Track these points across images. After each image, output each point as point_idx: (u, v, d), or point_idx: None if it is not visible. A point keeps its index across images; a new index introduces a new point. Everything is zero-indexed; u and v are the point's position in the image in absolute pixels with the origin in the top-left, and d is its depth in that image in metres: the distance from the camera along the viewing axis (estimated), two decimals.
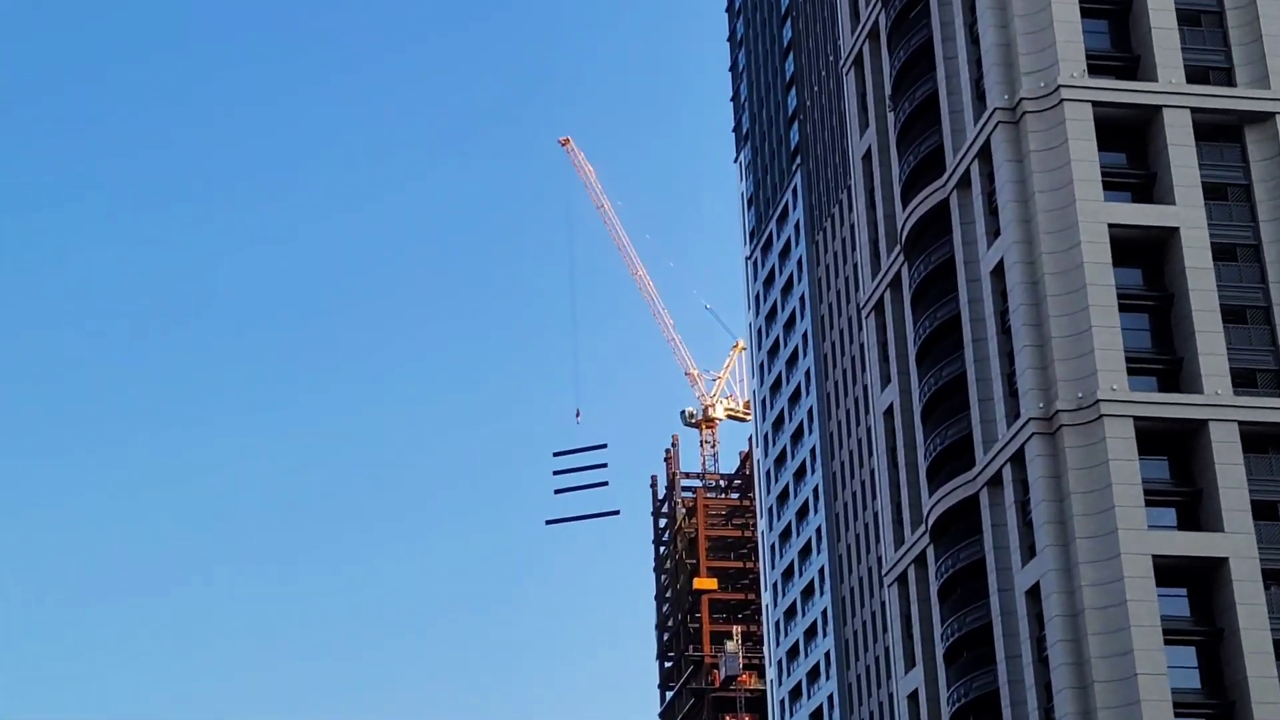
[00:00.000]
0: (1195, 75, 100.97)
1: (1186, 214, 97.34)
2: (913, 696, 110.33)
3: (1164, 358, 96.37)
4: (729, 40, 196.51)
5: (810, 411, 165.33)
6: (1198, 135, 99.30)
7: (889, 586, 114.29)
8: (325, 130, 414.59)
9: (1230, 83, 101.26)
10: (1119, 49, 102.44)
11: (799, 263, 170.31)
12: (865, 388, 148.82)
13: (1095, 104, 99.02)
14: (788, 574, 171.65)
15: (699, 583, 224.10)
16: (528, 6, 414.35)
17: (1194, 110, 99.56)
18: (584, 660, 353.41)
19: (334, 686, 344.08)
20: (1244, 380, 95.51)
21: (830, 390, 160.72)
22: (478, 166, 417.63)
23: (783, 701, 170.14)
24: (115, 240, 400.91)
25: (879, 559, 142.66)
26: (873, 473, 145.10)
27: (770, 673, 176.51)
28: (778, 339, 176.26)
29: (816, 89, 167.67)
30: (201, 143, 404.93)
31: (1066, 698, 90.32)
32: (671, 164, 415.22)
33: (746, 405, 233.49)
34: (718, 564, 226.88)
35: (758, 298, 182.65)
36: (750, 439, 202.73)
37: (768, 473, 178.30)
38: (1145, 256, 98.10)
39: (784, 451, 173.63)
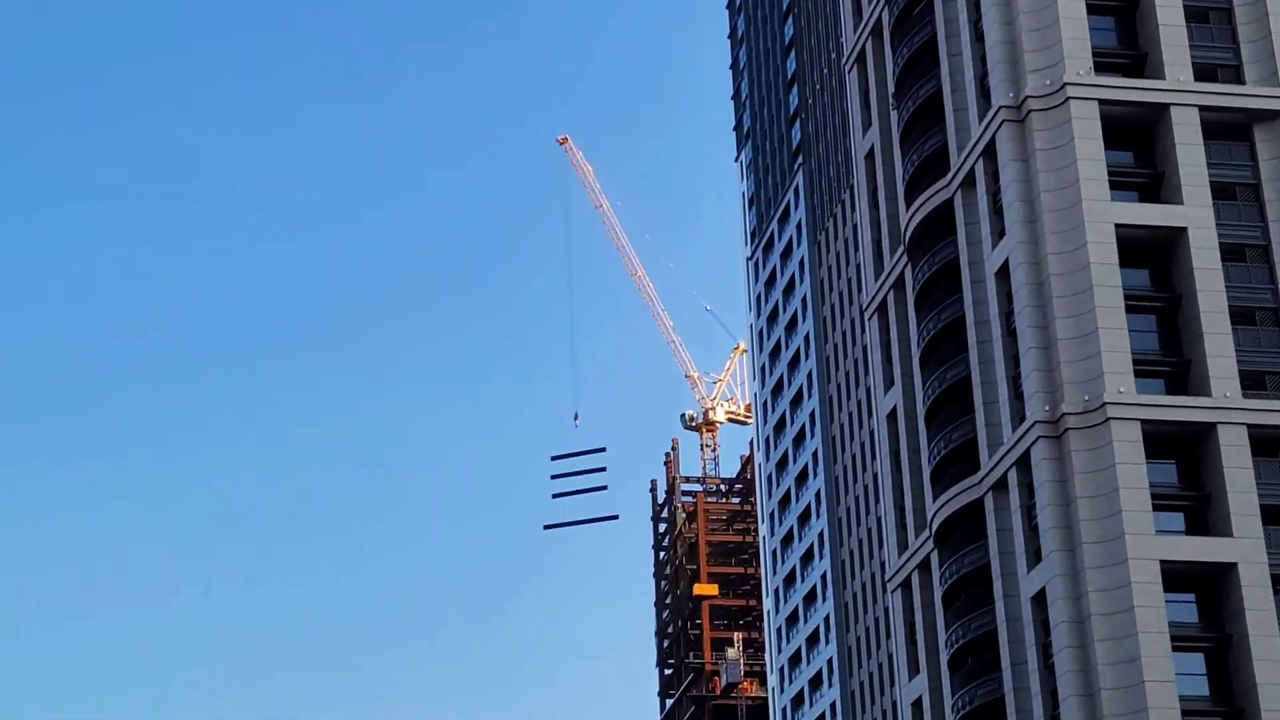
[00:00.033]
0: (1203, 73, 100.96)
1: (1194, 214, 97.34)
2: (916, 704, 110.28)
3: (1172, 360, 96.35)
4: (730, 37, 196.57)
5: (812, 415, 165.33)
6: (1206, 134, 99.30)
7: (892, 592, 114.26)
8: (324, 132, 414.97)
9: (1239, 80, 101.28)
10: (1126, 46, 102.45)
11: (801, 263, 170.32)
12: (868, 390, 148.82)
13: (1102, 102, 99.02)
14: (789, 580, 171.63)
15: (699, 588, 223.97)
16: (526, 5, 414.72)
17: (1202, 108, 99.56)
18: (583, 667, 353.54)
19: (332, 696, 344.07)
20: (1253, 382, 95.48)
21: (833, 393, 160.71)
22: (476, 167, 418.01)
23: (784, 709, 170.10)
24: (113, 243, 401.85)
25: (882, 564, 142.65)
26: (876, 477, 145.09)
27: (772, 680, 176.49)
28: (779, 341, 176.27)
29: (819, 87, 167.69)
30: (199, 144, 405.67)
31: (1073, 705, 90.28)
32: (671, 163, 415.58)
33: (747, 408, 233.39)
34: (718, 569, 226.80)
35: (759, 299, 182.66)
36: (751, 442, 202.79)
37: (769, 477, 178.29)
38: (1153, 257, 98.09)
39: (786, 455, 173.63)
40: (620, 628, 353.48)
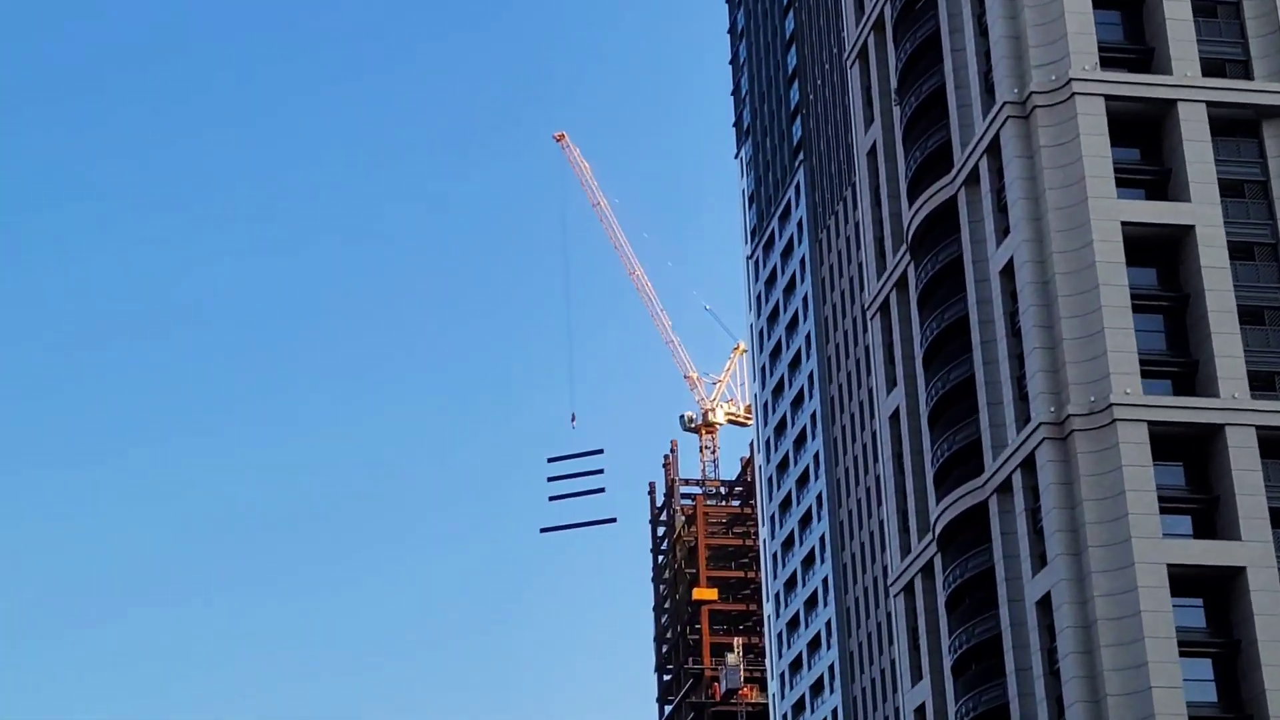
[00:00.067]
0: (1211, 68, 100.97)
1: (1202, 211, 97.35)
2: (920, 710, 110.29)
3: (1179, 360, 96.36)
4: (729, 32, 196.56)
5: (813, 416, 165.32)
6: (1214, 130, 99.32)
7: (895, 597, 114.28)
8: (323, 133, 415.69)
9: (1247, 75, 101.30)
10: (1132, 41, 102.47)
11: (802, 262, 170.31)
12: (870, 391, 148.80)
13: (1108, 98, 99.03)
14: (790, 584, 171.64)
15: (699, 593, 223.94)
16: (522, 2, 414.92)
17: (1210, 104, 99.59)
18: (581, 673, 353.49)
19: (331, 701, 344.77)
20: (1262, 383, 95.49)
21: (834, 394, 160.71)
22: (473, 167, 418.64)
23: (785, 716, 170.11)
24: (112, 246, 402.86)
25: (884, 568, 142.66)
26: (878, 479, 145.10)
27: (772, 686, 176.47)
28: (780, 341, 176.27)
29: (820, 82, 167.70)
30: (196, 144, 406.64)
31: (1078, 711, 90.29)
32: (670, 160, 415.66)
33: (748, 409, 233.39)
34: (718, 574, 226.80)
35: (759, 298, 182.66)
36: (751, 444, 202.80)
37: (770, 479, 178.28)
38: (1159, 255, 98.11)
39: (786, 457, 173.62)
40: (618, 633, 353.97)
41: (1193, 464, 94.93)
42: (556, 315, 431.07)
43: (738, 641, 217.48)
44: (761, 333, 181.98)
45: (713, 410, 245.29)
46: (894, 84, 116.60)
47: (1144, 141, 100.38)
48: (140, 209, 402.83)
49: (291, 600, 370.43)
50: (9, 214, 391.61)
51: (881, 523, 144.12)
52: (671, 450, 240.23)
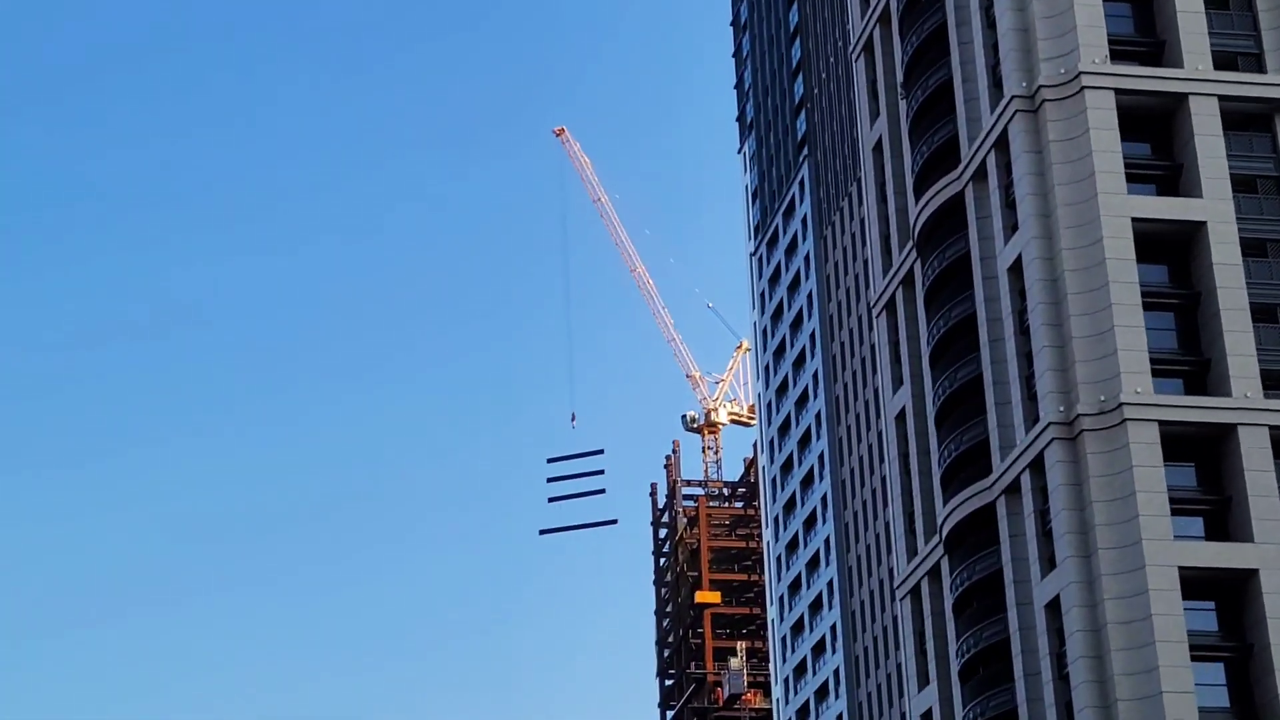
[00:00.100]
0: (1223, 61, 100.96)
1: (1214, 207, 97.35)
2: (926, 716, 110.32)
3: (1190, 359, 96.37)
4: (732, 25, 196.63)
5: (818, 415, 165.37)
6: (1226, 124, 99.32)
7: (901, 600, 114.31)
8: (321, 131, 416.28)
9: (1260, 69, 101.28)
10: (1143, 34, 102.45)
11: (806, 259, 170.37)
12: (876, 390, 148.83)
13: (1118, 92, 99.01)
14: (794, 587, 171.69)
15: (701, 596, 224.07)
16: None
17: (1222, 98, 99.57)
18: (581, 678, 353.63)
19: (328, 705, 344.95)
20: (1275, 382, 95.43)
21: (839, 393, 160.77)
22: (473, 165, 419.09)
23: None
24: (109, 247, 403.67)
25: (890, 571, 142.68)
26: (884, 480, 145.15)
27: (776, 691, 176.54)
28: (784, 339, 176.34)
29: (824, 76, 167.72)
30: (192, 144, 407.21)
31: (1088, 717, 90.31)
32: (672, 155, 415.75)
33: (751, 409, 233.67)
34: (721, 576, 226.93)
35: (763, 296, 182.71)
36: (755, 445, 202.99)
37: (773, 480, 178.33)
38: (1171, 252, 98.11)
39: (790, 458, 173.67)
40: (619, 636, 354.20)
41: (1204, 465, 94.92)
42: (556, 313, 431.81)
43: (741, 646, 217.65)
44: (765, 331, 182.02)
45: (715, 410, 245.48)
46: (900, 77, 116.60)
47: (1155, 136, 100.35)
48: (138, 208, 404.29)
49: (290, 601, 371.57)
50: (6, 213, 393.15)
51: (887, 525, 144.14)
52: (673, 451, 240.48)
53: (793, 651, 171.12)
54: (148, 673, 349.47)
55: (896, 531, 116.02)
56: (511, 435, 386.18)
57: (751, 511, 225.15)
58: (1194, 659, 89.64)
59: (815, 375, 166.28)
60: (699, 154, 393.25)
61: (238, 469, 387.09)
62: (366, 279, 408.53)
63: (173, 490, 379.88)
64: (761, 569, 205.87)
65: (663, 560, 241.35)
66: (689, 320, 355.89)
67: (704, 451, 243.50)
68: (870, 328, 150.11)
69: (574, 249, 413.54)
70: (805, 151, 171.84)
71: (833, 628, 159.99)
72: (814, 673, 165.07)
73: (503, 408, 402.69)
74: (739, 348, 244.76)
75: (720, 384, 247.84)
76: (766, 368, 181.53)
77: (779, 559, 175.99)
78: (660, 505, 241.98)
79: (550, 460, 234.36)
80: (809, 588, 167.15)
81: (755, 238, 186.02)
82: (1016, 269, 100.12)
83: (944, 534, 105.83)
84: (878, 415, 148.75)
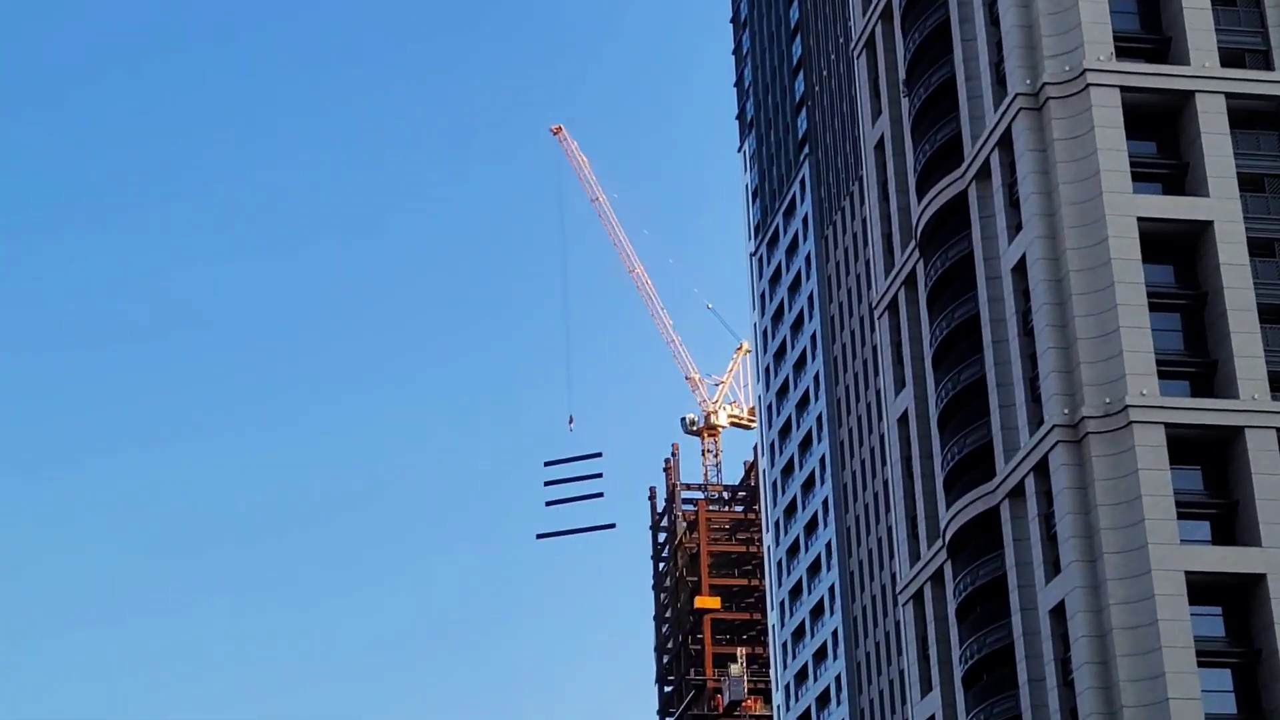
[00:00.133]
0: (1230, 58, 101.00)
1: (1221, 206, 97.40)
2: None
3: (1197, 360, 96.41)
4: (732, 22, 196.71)
5: (819, 418, 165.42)
6: (1232, 122, 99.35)
7: (904, 605, 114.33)
8: (318, 130, 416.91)
9: (1267, 66, 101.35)
10: (1149, 30, 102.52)
11: (807, 259, 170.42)
12: (878, 393, 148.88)
13: (1123, 89, 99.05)
14: (795, 592, 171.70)
15: (701, 601, 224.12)
16: None
17: (1229, 95, 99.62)
18: (578, 684, 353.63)
19: (326, 707, 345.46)
20: None
21: (841, 395, 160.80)
22: (470, 165, 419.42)
23: None
24: (103, 248, 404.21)
25: (893, 576, 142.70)
26: (886, 484, 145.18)
27: (777, 697, 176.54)
28: (784, 340, 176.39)
29: (826, 73, 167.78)
30: (188, 145, 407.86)
31: None
32: (671, 154, 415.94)
33: (751, 411, 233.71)
34: (721, 581, 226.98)
35: (763, 296, 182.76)
36: (755, 448, 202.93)
37: (774, 484, 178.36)
38: (1177, 252, 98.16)
39: (791, 461, 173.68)
40: (617, 642, 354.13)
41: (1211, 467, 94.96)
42: (554, 314, 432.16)
43: (741, 651, 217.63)
44: (765, 332, 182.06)
45: (715, 412, 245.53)
46: (902, 75, 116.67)
47: (1161, 134, 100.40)
48: (135, 208, 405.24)
49: (287, 604, 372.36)
50: (4, 214, 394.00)
51: (890, 528, 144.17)
52: (672, 454, 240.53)
53: (794, 658, 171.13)
54: (146, 675, 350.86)
55: (899, 536, 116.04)
56: (509, 438, 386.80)
57: (752, 515, 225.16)
58: (1201, 665, 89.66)
59: (816, 377, 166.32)
60: (698, 153, 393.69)
61: (234, 471, 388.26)
62: (363, 280, 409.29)
63: (170, 492, 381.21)
64: (762, 574, 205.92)
65: (662, 565, 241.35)
66: (688, 321, 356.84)
67: (704, 454, 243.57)
68: (872, 329, 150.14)
69: (572, 249, 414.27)
70: (806, 150, 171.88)
71: (834, 633, 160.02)
72: (815, 679, 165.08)
73: (500, 410, 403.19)
74: (739, 349, 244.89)
75: (720, 386, 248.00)
76: (767, 369, 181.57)
77: (780, 564, 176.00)
78: (659, 509, 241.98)
79: (548, 463, 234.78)
80: (810, 593, 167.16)
81: (755, 237, 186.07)
82: (1020, 269, 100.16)
83: (947, 538, 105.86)
84: (880, 418, 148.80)
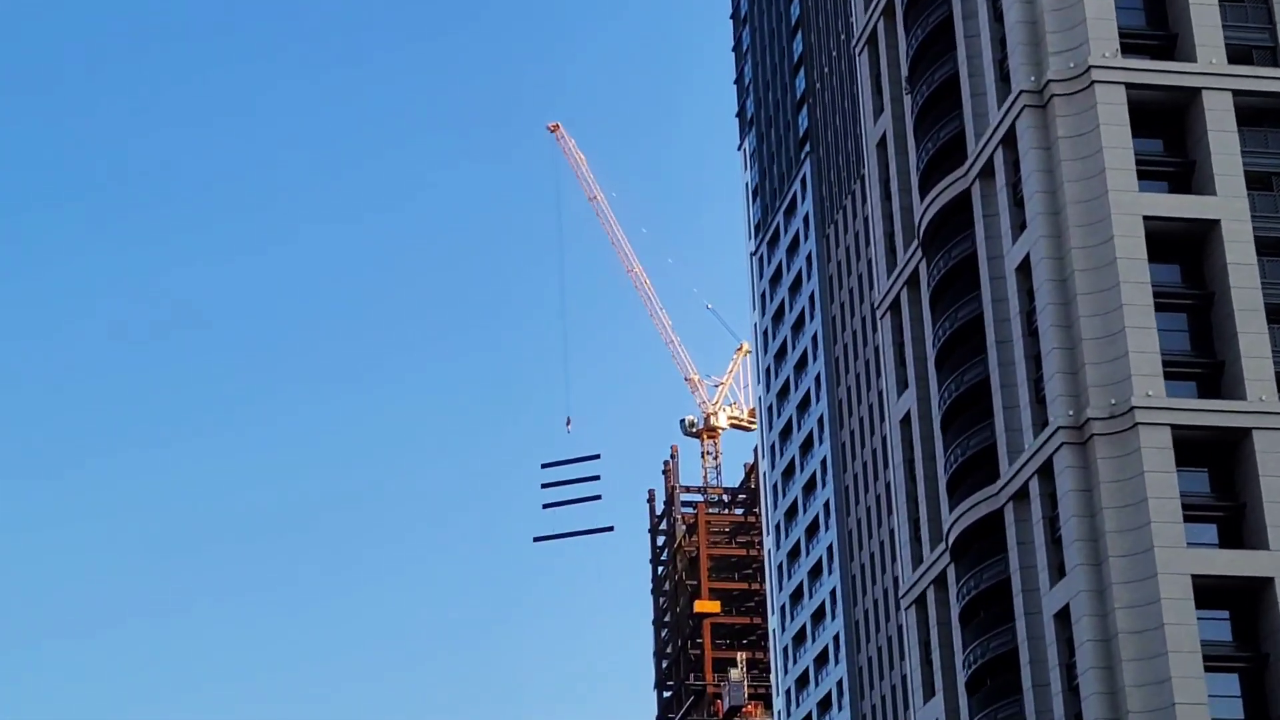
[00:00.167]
0: (1237, 55, 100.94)
1: (1228, 205, 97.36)
2: None
3: (1204, 361, 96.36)
4: (732, 18, 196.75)
5: (820, 420, 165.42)
6: (1240, 120, 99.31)
7: (906, 609, 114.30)
8: (312, 132, 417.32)
9: (1275, 63, 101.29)
10: (1155, 26, 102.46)
11: (808, 259, 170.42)
12: (880, 394, 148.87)
13: (1129, 86, 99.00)
14: (796, 596, 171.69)
15: (700, 605, 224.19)
16: None
17: (1236, 93, 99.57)
18: (577, 691, 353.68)
19: (323, 712, 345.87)
20: None
21: (842, 397, 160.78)
22: (465, 164, 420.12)
23: None
24: (88, 249, 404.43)
25: (895, 580, 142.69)
26: (888, 486, 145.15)
27: (778, 703, 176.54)
28: (785, 341, 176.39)
29: (827, 70, 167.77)
30: (183, 143, 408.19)
31: None
32: (670, 152, 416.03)
33: (751, 413, 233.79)
34: (721, 585, 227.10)
35: (763, 296, 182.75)
36: (756, 450, 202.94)
37: (775, 486, 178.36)
38: (1183, 251, 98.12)
39: (792, 463, 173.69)
40: (615, 647, 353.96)
41: (1218, 470, 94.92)
42: (552, 315, 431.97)
43: (741, 656, 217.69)
44: (766, 333, 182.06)
45: (715, 414, 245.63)
46: (905, 72, 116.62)
47: (1167, 132, 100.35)
48: (133, 206, 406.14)
49: (284, 607, 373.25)
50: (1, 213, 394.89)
51: (892, 532, 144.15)
52: (671, 456, 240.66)
53: (795, 662, 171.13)
54: (145, 677, 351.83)
55: (901, 539, 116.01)
56: (506, 439, 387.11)
57: (752, 518, 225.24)
58: (1208, 670, 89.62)
59: (817, 378, 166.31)
60: (698, 151, 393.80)
61: (232, 472, 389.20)
62: (360, 280, 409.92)
63: (167, 493, 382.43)
64: (762, 577, 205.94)
65: (661, 568, 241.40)
66: (688, 322, 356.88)
67: (703, 456, 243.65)
68: (874, 329, 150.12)
69: (570, 248, 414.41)
70: (807, 148, 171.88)
71: (836, 638, 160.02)
72: (817, 684, 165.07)
73: (498, 411, 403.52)
74: (739, 350, 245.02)
75: (720, 387, 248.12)
76: (767, 370, 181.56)
77: (780, 567, 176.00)
78: (658, 512, 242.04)
79: (545, 465, 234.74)
80: (811, 597, 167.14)
81: (756, 237, 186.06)
82: (1025, 269, 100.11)
83: (950, 541, 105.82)
84: (882, 419, 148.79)
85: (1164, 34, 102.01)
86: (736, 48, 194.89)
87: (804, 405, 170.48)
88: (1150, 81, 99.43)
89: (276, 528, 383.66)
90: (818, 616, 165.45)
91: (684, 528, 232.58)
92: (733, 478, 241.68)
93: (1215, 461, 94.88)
